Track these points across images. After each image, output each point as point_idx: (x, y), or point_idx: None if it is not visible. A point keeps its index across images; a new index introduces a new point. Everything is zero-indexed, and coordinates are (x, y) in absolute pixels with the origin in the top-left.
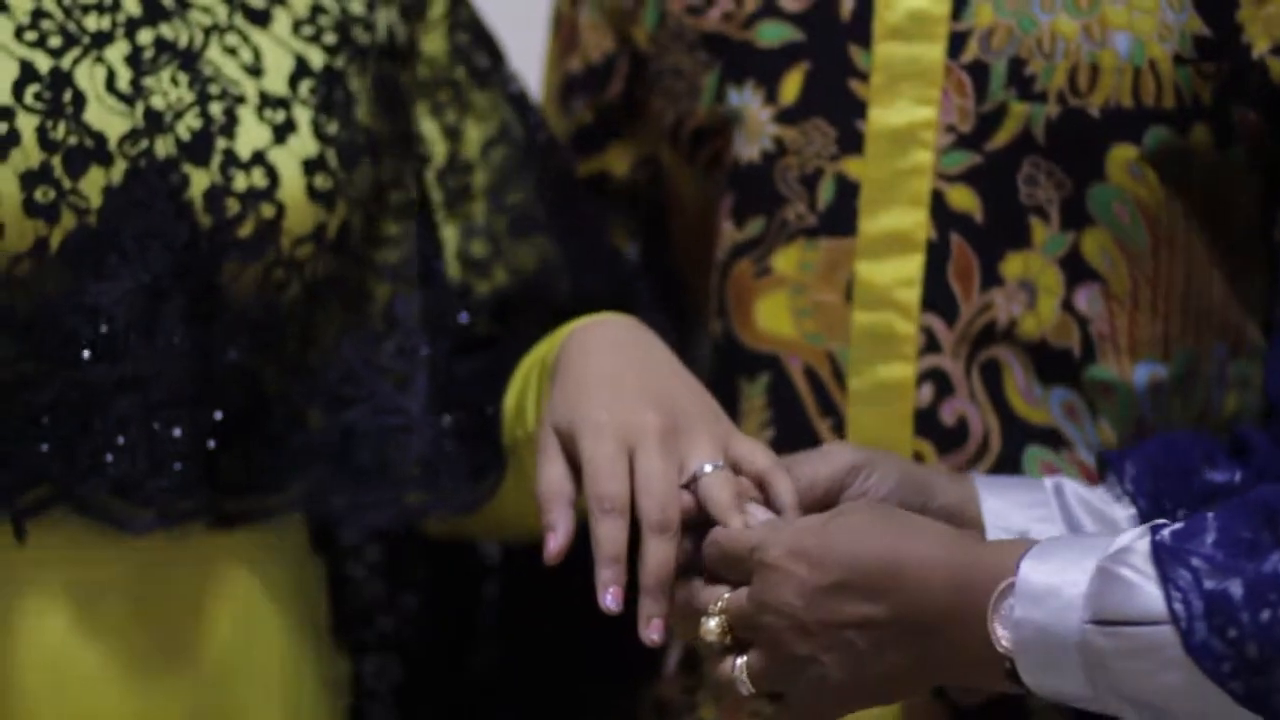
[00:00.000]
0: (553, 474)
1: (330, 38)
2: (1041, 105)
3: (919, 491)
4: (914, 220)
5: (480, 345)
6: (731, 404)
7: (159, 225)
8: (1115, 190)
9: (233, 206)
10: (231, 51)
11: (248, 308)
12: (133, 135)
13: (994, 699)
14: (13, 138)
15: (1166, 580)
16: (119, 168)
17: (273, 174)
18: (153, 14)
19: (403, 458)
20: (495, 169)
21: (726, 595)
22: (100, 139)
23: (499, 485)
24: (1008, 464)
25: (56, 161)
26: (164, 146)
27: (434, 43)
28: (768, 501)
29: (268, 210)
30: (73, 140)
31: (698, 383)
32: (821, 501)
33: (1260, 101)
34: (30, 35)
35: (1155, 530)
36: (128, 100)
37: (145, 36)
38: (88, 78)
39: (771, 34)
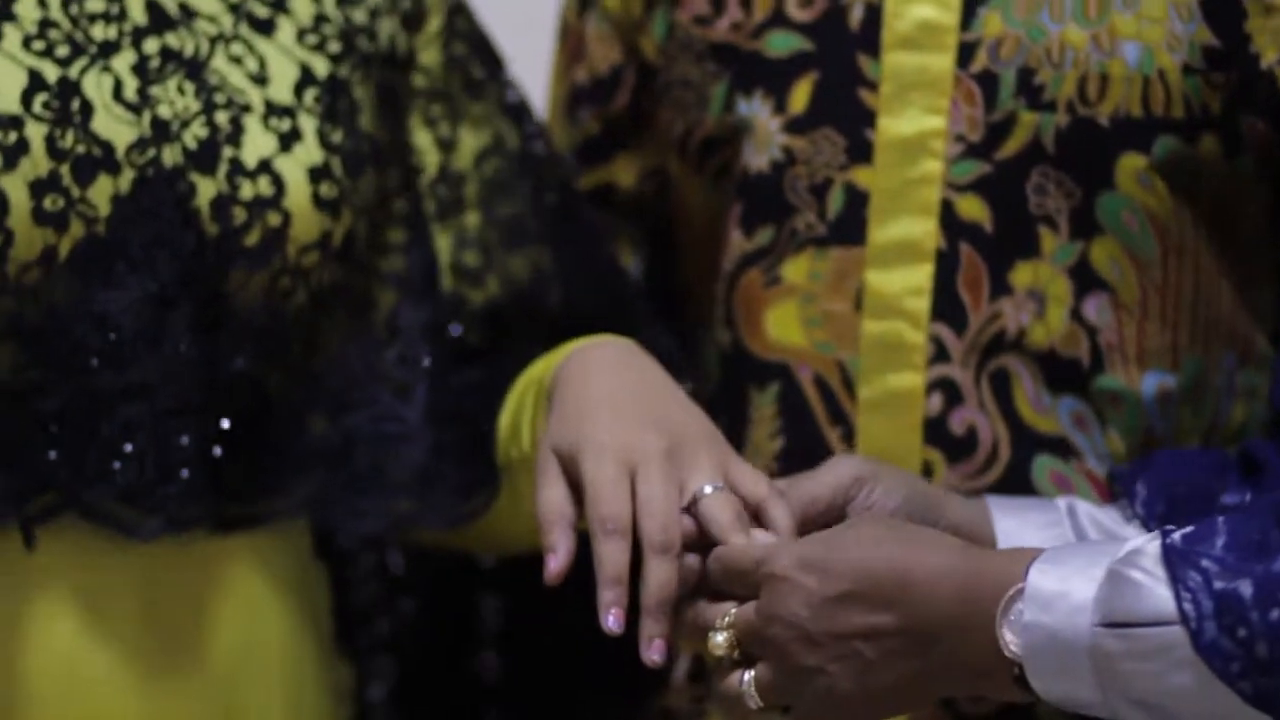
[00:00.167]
0: (553, 496)
1: (334, 46)
2: (1051, 114)
3: (929, 509)
4: (923, 229)
5: (472, 358)
6: (740, 413)
7: (166, 234)
8: (1124, 199)
9: (239, 215)
10: (237, 60)
11: (254, 315)
12: (140, 144)
13: (1002, 708)
14: (22, 146)
15: (1176, 581)
16: (127, 176)
17: (279, 182)
18: (159, 23)
19: (397, 466)
20: (488, 180)
21: (733, 610)
22: (108, 148)
23: (490, 503)
24: (1017, 473)
25: (65, 170)
26: (171, 155)
27: (430, 53)
28: (764, 527)
29: (274, 218)
30: (81, 149)
31: (695, 406)
32: (825, 515)
33: (1269, 111)
34: (38, 44)
35: (1165, 534)
36: (135, 109)
37: (151, 46)
38: (95, 87)
39: (780, 44)
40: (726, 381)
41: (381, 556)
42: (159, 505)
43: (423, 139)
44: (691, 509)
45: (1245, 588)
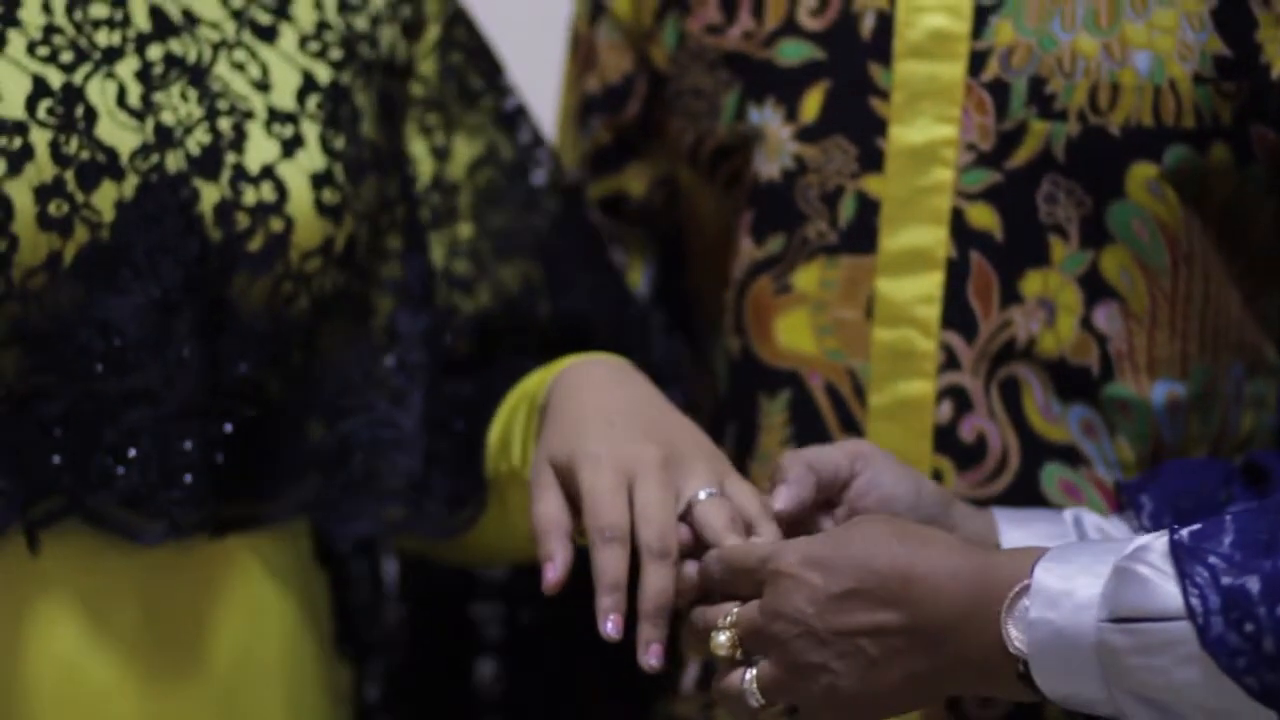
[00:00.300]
0: (549, 506)
1: (336, 53)
2: (1062, 124)
3: (938, 512)
4: (934, 238)
5: (462, 368)
6: (751, 420)
7: (170, 239)
8: (1135, 208)
9: (242, 221)
10: (240, 67)
11: (257, 320)
12: (144, 150)
13: (1009, 712)
14: (27, 152)
15: (1184, 576)
16: (131, 182)
17: (281, 188)
18: (162, 30)
19: (392, 472)
20: (480, 190)
21: (735, 610)
22: (112, 154)
23: (478, 516)
24: (1026, 481)
25: (69, 176)
26: (174, 161)
27: (428, 62)
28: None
29: (277, 224)
30: (85, 155)
31: (689, 420)
32: (828, 487)
33: (1279, 121)
34: (42, 50)
35: (1173, 531)
36: (138, 115)
37: (155, 52)
38: (99, 93)
39: (792, 52)
40: (737, 388)
41: (379, 560)
42: (163, 510)
43: (418, 147)
44: (687, 516)
45: (1253, 584)
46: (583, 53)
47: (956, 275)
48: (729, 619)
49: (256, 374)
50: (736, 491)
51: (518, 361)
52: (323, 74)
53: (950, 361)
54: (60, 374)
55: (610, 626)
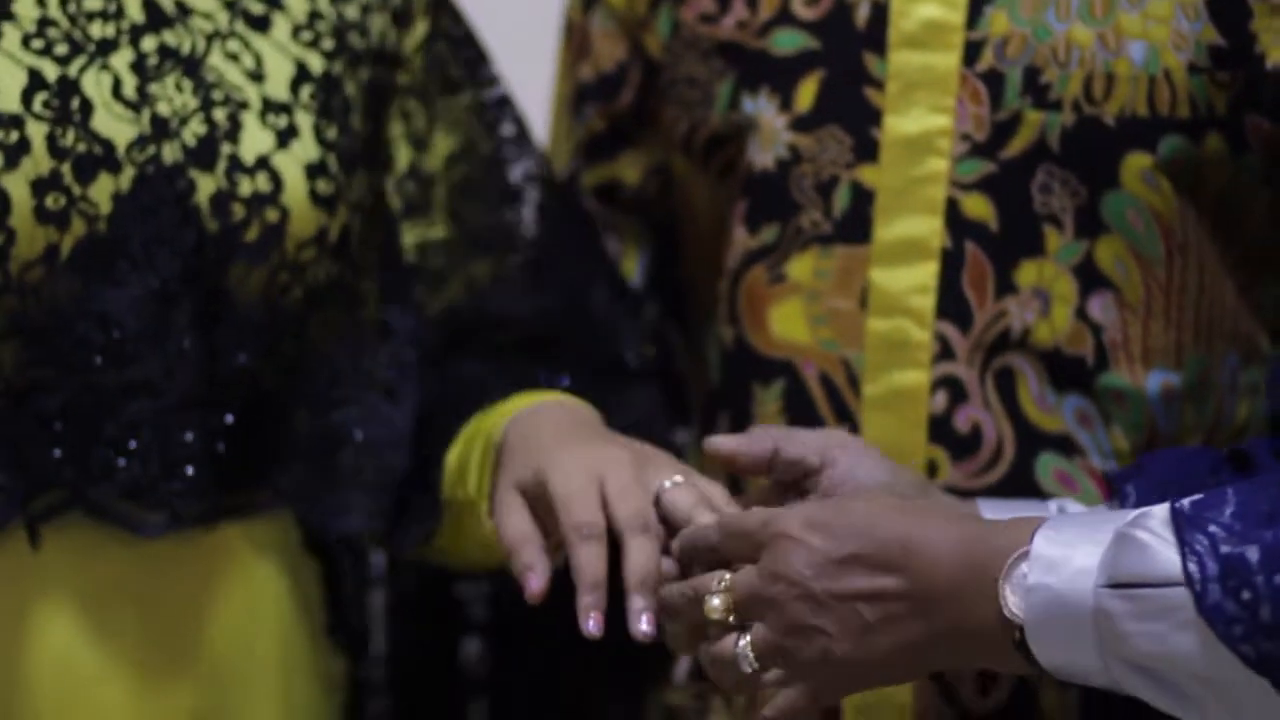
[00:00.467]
0: (517, 522)
1: (328, 43)
2: (1056, 113)
3: (920, 497)
4: (929, 228)
5: (431, 364)
6: (744, 409)
7: (167, 231)
8: (1130, 198)
9: (238, 211)
10: (233, 58)
11: (253, 310)
12: (140, 142)
13: (1005, 705)
14: (23, 145)
15: (1183, 543)
16: (127, 174)
17: (276, 179)
18: (156, 21)
19: (381, 468)
20: (456, 185)
21: (729, 575)
22: (108, 146)
23: (431, 535)
24: (1021, 471)
25: (66, 169)
26: (171, 152)
27: (414, 51)
28: None
29: (272, 214)
30: (81, 147)
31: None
32: (797, 466)
33: (1274, 110)
34: (37, 43)
35: (1174, 500)
36: (134, 107)
37: (149, 44)
38: (94, 85)
39: (786, 42)
40: (730, 378)
41: (366, 546)
42: (164, 501)
43: (397, 135)
44: (656, 503)
45: (1252, 553)
46: (577, 41)
47: (951, 265)
48: (723, 583)
49: (254, 364)
50: (701, 481)
51: (484, 375)
52: (315, 64)
53: (945, 351)
54: (59, 367)
55: (592, 624)
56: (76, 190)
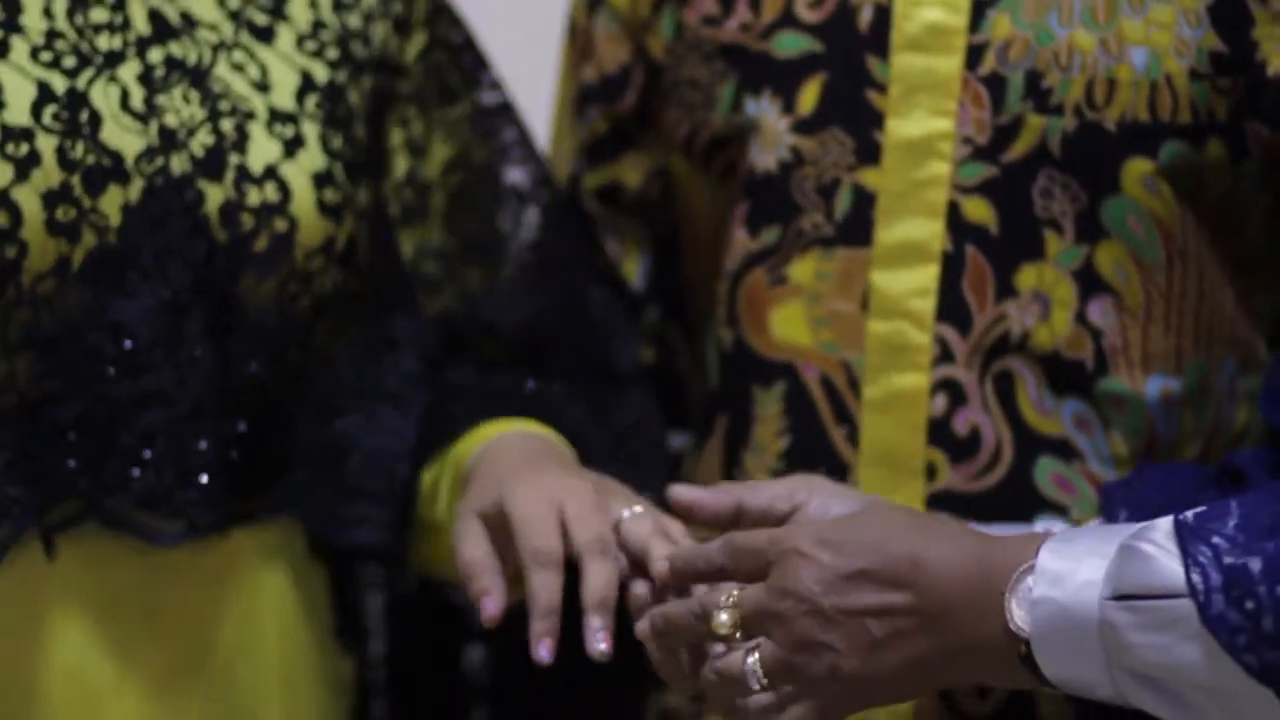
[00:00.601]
0: (475, 551)
1: (332, 52)
2: (1058, 118)
3: None
4: (930, 231)
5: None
6: (744, 411)
7: (177, 242)
8: (1130, 204)
9: (247, 221)
10: (239, 68)
11: (265, 318)
12: (148, 153)
13: (1002, 708)
14: (33, 158)
15: (1186, 554)
16: (136, 186)
17: (284, 188)
18: (162, 33)
19: (390, 477)
20: (452, 192)
21: (737, 590)
22: (117, 158)
23: (402, 551)
24: (1019, 474)
25: (76, 181)
26: (179, 164)
27: (413, 60)
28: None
29: (281, 224)
30: (91, 159)
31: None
32: (761, 522)
33: (1274, 117)
34: (45, 56)
35: (1178, 513)
36: (142, 119)
37: (156, 55)
38: (103, 97)
39: (789, 44)
40: (730, 380)
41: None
42: (180, 510)
43: (397, 142)
44: (616, 533)
45: (1255, 564)
46: (580, 43)
47: (951, 268)
48: (731, 598)
49: (265, 372)
50: (659, 514)
51: (468, 392)
52: (320, 73)
53: (944, 354)
54: (72, 378)
55: (544, 650)
56: (87, 202)
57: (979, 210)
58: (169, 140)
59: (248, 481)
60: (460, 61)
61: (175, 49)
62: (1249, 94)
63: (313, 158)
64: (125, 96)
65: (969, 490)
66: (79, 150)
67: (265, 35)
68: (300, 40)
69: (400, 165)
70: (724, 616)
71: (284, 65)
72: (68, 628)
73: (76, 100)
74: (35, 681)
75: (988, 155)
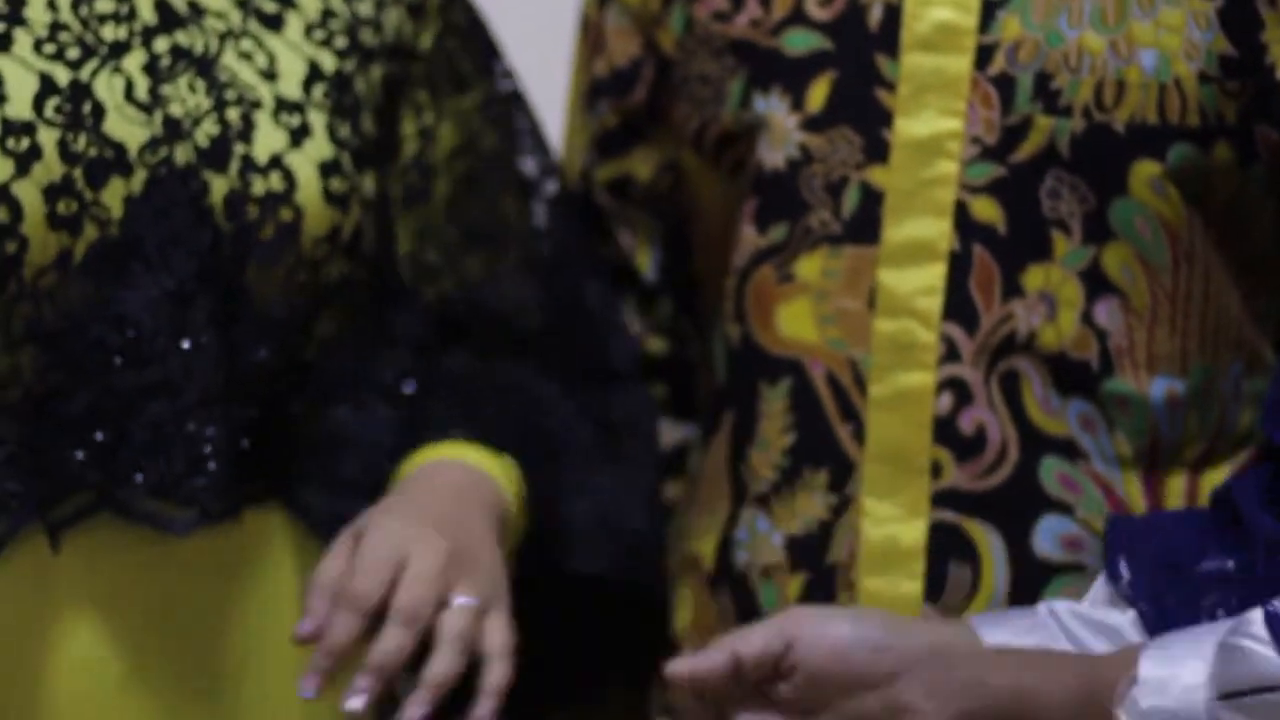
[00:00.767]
0: (331, 567)
1: (341, 41)
2: (1067, 119)
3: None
4: (937, 230)
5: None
6: (751, 407)
7: (181, 232)
8: (1138, 205)
9: (252, 211)
10: (246, 57)
11: (272, 307)
12: (152, 144)
13: None
14: (34, 152)
15: None
16: (139, 177)
17: (290, 178)
18: (168, 22)
19: (378, 470)
20: (457, 178)
21: None
22: (120, 149)
23: None
24: (1024, 474)
25: (78, 174)
26: (183, 154)
27: (428, 44)
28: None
29: (286, 214)
30: (93, 152)
31: (498, 548)
32: (760, 670)
33: None
34: (49, 48)
35: (1267, 603)
36: (146, 109)
37: (162, 45)
38: (106, 88)
39: (799, 42)
40: (736, 376)
41: None
42: (191, 498)
43: (409, 129)
44: (439, 608)
45: None
46: (592, 36)
47: (959, 267)
48: None
49: (274, 360)
50: (493, 620)
51: (453, 392)
52: (328, 62)
53: (951, 353)
54: (77, 371)
55: (308, 687)
56: (88, 195)
57: (987, 210)
58: (173, 130)
59: (254, 470)
60: (473, 49)
61: (182, 38)
62: (1258, 97)
63: (319, 147)
64: (130, 87)
65: (974, 489)
66: (81, 143)
67: (274, 23)
68: (309, 29)
69: (409, 149)
70: None
71: (292, 54)
72: (77, 622)
73: (79, 92)
74: (44, 676)
75: (996, 155)
